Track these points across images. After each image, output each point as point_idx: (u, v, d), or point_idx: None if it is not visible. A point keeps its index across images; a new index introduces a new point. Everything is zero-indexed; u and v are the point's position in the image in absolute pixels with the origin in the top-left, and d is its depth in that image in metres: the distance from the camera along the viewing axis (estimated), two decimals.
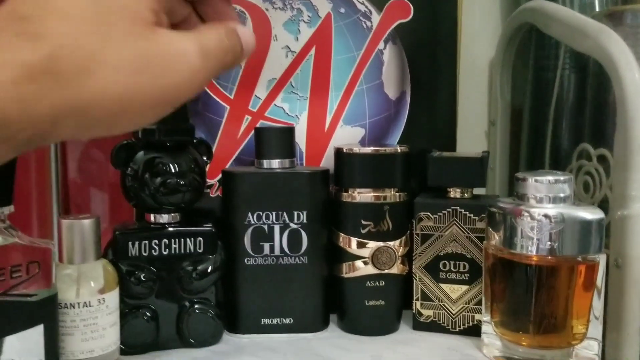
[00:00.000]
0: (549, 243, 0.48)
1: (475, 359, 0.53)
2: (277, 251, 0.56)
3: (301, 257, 0.56)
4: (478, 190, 0.60)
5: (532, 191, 0.50)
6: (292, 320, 0.56)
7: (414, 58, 0.64)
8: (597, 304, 0.50)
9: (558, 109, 0.68)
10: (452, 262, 0.57)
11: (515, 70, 0.77)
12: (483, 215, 0.55)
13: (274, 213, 0.55)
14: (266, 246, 0.55)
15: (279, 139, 0.54)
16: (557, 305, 0.50)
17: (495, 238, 0.52)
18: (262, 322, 0.57)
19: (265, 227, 0.55)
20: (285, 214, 0.55)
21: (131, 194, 0.53)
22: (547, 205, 0.49)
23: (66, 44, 0.26)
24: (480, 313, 0.55)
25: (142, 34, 0.28)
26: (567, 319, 0.50)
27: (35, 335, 0.43)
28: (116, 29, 0.27)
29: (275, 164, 0.56)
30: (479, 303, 0.56)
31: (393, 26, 0.63)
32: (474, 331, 0.56)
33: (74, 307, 0.46)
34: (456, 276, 0.57)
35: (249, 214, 0.55)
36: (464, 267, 0.57)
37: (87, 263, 0.48)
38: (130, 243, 0.52)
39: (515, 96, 0.77)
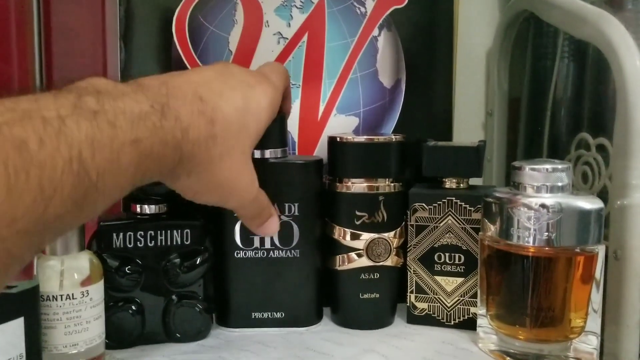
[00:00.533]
0: (547, 234, 0.47)
1: (470, 353, 0.52)
2: (267, 244, 0.54)
3: (292, 251, 0.54)
4: (474, 181, 0.58)
5: (529, 180, 0.48)
6: (283, 314, 0.55)
7: (409, 45, 0.62)
8: (596, 297, 0.49)
9: (556, 98, 0.67)
10: (447, 254, 0.56)
11: (512, 59, 0.75)
12: (479, 206, 0.53)
13: None
14: (256, 239, 0.53)
15: (270, 128, 0.53)
16: (554, 297, 0.49)
17: (491, 229, 0.50)
18: (254, 316, 0.55)
19: None
20: (276, 205, 0.52)
21: None
22: (544, 195, 0.48)
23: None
24: (476, 306, 0.54)
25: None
26: (565, 312, 0.49)
27: (15, 328, 0.42)
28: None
29: (266, 153, 0.54)
30: (475, 296, 0.55)
31: (388, 12, 0.61)
32: (469, 324, 0.55)
33: (56, 299, 0.45)
34: (451, 268, 0.56)
35: None
36: (460, 259, 0.56)
37: (70, 254, 0.46)
38: (114, 234, 0.50)
39: (512, 85, 0.76)
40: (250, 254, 0.54)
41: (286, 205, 0.53)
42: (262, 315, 0.55)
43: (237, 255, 0.53)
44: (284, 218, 0.53)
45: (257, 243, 0.53)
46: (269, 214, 0.47)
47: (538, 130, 0.69)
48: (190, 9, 0.58)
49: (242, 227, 0.53)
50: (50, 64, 0.67)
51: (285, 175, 0.53)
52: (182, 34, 0.58)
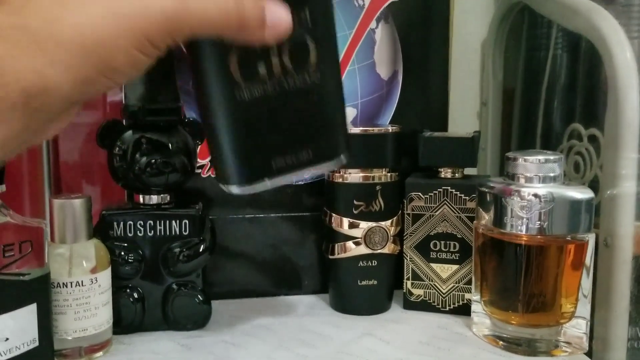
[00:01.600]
0: (539, 222, 0.49)
1: (464, 337, 0.54)
2: (277, 72, 0.33)
3: (311, 74, 0.34)
4: (469, 171, 0.60)
5: (522, 171, 0.50)
6: (310, 152, 0.35)
7: (406, 37, 0.64)
8: (586, 283, 0.51)
9: (550, 89, 0.68)
10: (442, 242, 0.58)
11: (507, 50, 0.77)
12: (473, 195, 0.55)
13: None
14: (261, 67, 0.33)
15: None
16: (546, 284, 0.51)
17: (485, 218, 0.52)
18: (274, 165, 0.35)
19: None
20: None
21: (118, 174, 0.53)
22: (537, 185, 0.49)
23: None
24: (470, 292, 0.56)
25: None
26: (556, 297, 0.51)
27: (28, 314, 0.43)
28: None
29: None
30: (469, 282, 0.56)
31: (385, 5, 0.62)
32: (464, 310, 0.57)
33: (66, 286, 0.47)
34: (447, 256, 0.58)
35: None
36: (455, 246, 0.57)
37: (79, 242, 0.48)
38: (115, 223, 0.52)
39: (507, 76, 0.77)
40: (256, 90, 0.33)
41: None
42: (285, 161, 0.35)
43: (239, 97, 0.33)
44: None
45: (263, 73, 0.33)
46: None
47: (532, 121, 0.71)
48: None
49: (240, 53, 0.32)
50: None
51: None
52: None
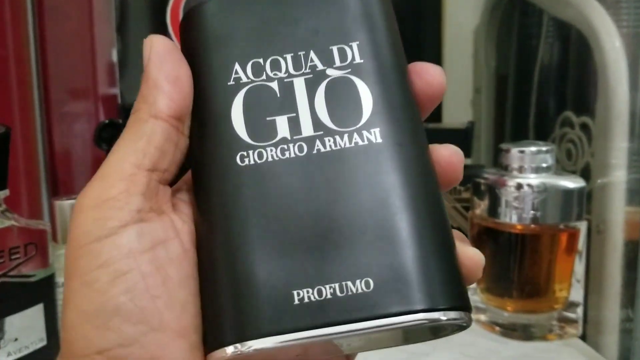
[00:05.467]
0: (532, 212, 0.50)
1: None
2: (306, 128, 0.21)
3: (365, 133, 0.21)
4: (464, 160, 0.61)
5: (515, 162, 0.51)
6: (371, 283, 0.19)
7: (397, 27, 0.64)
8: (579, 269, 0.52)
9: (542, 77, 0.69)
10: None
11: (500, 37, 0.77)
12: (468, 185, 0.56)
13: (288, 57, 0.23)
14: (281, 121, 0.22)
15: None
16: (539, 271, 0.52)
17: (480, 207, 0.53)
18: (297, 302, 0.19)
19: (275, 84, 0.22)
20: (312, 54, 0.23)
21: None
22: (529, 175, 0.51)
23: None
24: None
25: None
26: (549, 284, 0.52)
27: (36, 314, 0.44)
28: None
29: None
30: None
31: None
32: None
33: None
34: None
35: (237, 66, 0.22)
36: None
37: None
38: None
39: (500, 64, 0.78)
40: (270, 153, 0.21)
41: (334, 49, 0.23)
42: (320, 294, 0.19)
43: (242, 162, 0.21)
44: (333, 73, 0.22)
45: (283, 130, 0.21)
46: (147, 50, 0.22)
47: (525, 108, 0.72)
48: (184, 0, 0.60)
49: (247, 101, 0.22)
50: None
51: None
52: (177, 24, 0.60)
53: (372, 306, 0.19)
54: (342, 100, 0.22)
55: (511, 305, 0.53)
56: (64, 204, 0.48)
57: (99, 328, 0.20)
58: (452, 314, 0.19)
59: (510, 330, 0.52)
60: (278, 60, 0.23)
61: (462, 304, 0.20)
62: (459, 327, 0.20)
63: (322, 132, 0.21)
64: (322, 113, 0.22)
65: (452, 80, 0.76)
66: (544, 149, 0.51)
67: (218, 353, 0.19)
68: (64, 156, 0.67)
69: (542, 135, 0.68)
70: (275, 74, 0.22)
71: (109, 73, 0.66)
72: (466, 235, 0.56)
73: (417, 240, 0.20)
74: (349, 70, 0.22)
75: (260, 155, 0.21)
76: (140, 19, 0.60)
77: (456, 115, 0.74)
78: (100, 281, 0.20)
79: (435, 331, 0.21)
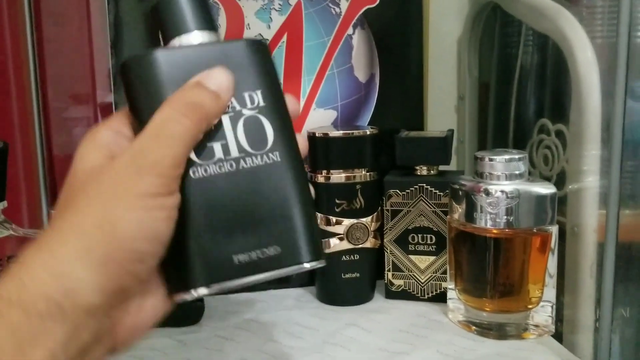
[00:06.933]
0: (506, 217, 0.53)
1: (441, 324, 0.58)
2: (234, 151, 0.33)
3: (270, 154, 0.34)
4: (446, 166, 0.63)
5: (489, 169, 0.54)
6: (277, 248, 0.33)
7: (382, 41, 0.67)
8: (552, 270, 0.55)
9: (520, 85, 0.72)
10: (420, 235, 0.61)
11: (482, 47, 0.80)
12: (447, 191, 0.59)
13: None
14: (216, 147, 0.33)
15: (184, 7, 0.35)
16: (513, 272, 0.55)
17: (458, 212, 0.56)
18: (236, 261, 0.33)
19: None
20: (232, 99, 0.34)
21: None
22: (503, 182, 0.53)
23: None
24: (446, 281, 0.60)
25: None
26: (523, 284, 0.55)
27: None
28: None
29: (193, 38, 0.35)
30: (446, 272, 0.60)
31: (361, 11, 0.66)
32: (441, 298, 0.61)
33: None
34: (424, 248, 0.61)
35: None
36: (431, 239, 0.61)
37: None
38: None
39: (482, 72, 0.80)
40: (212, 169, 0.33)
41: (245, 95, 0.34)
42: (249, 256, 0.33)
43: (194, 174, 0.32)
44: (247, 112, 0.34)
45: (218, 152, 0.33)
46: (205, 85, 0.32)
47: (505, 115, 0.74)
48: None
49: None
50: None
51: (233, 58, 0.35)
52: None
53: (279, 262, 0.32)
54: (254, 132, 0.33)
55: (488, 305, 0.55)
56: None
57: None
58: (318, 263, 0.33)
59: (486, 330, 0.55)
60: None
61: (322, 256, 0.34)
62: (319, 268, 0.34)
63: (244, 154, 0.33)
64: (242, 140, 0.33)
65: (436, 88, 0.79)
66: (516, 156, 0.53)
67: (193, 293, 0.32)
68: (64, 163, 0.69)
69: (521, 140, 0.71)
70: None
71: (107, 79, 0.68)
72: (445, 239, 0.59)
73: (300, 222, 0.33)
74: (257, 110, 0.34)
75: (205, 170, 0.32)
76: (135, 34, 0.63)
77: (441, 122, 0.76)
78: None
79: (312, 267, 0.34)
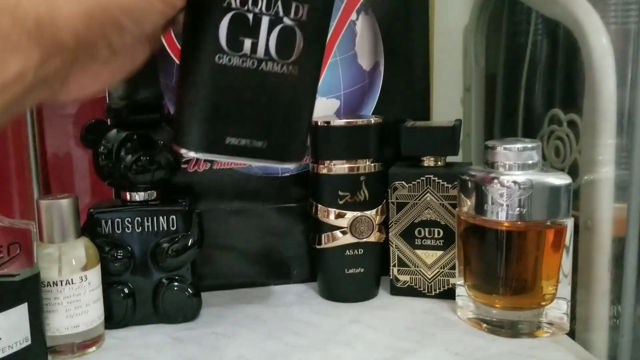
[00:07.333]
0: (518, 209, 0.50)
1: (450, 321, 0.55)
2: (261, 52, 0.36)
3: (290, 66, 0.37)
4: (453, 157, 0.61)
5: (501, 159, 0.51)
6: (265, 144, 0.38)
7: (386, 28, 0.64)
8: (566, 265, 0.52)
9: (530, 75, 0.69)
10: (426, 229, 0.59)
11: (489, 36, 0.77)
12: (456, 182, 0.56)
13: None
14: (247, 43, 0.36)
15: None
16: (526, 267, 0.52)
17: (467, 204, 0.53)
18: (227, 142, 0.37)
19: (250, 16, 0.36)
20: (280, 3, 0.36)
21: (104, 173, 0.54)
22: (516, 172, 0.51)
23: None
24: (455, 277, 0.57)
25: None
26: (536, 280, 0.52)
27: (20, 314, 0.44)
28: None
29: None
30: (454, 267, 0.58)
31: None
32: (449, 294, 0.58)
33: (56, 284, 0.47)
34: (431, 242, 0.59)
35: None
36: (439, 233, 0.58)
37: (67, 242, 0.49)
38: (103, 221, 0.53)
39: (489, 62, 0.78)
40: (235, 60, 0.36)
41: (293, 4, 0.36)
42: (239, 142, 0.38)
43: (219, 60, 0.36)
44: (287, 22, 0.36)
45: (247, 48, 0.36)
46: None
47: (514, 106, 0.72)
48: None
49: (232, 23, 0.36)
50: None
51: None
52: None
53: (262, 154, 0.36)
54: (285, 42, 0.35)
55: (499, 302, 0.53)
56: (49, 203, 0.48)
57: None
58: (294, 163, 0.37)
59: (498, 327, 0.52)
60: None
61: (301, 159, 0.37)
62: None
63: (267, 58, 0.35)
64: (272, 46, 0.35)
65: (441, 78, 0.77)
66: (529, 145, 0.51)
67: (185, 151, 0.35)
68: (56, 155, 0.66)
69: (530, 132, 0.68)
70: (253, 8, 0.34)
71: None
72: (453, 233, 0.57)
73: (296, 127, 0.37)
74: (297, 23, 0.35)
75: (229, 60, 0.34)
76: None
77: (447, 113, 0.74)
78: None
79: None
